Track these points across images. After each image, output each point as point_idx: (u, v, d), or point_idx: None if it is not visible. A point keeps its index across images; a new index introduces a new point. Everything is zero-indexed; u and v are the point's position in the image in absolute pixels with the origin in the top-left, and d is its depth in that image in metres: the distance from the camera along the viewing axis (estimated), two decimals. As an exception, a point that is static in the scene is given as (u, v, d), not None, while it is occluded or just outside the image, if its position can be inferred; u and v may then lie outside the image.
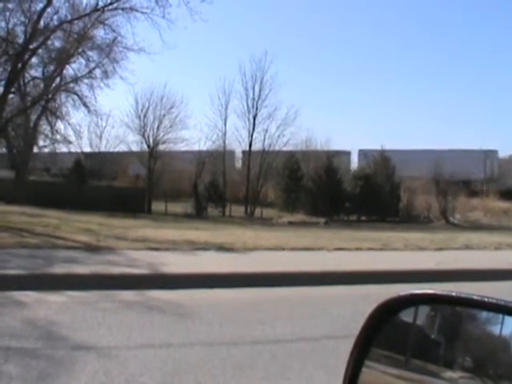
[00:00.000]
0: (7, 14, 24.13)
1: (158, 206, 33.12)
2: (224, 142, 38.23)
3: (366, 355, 1.45)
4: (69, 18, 23.75)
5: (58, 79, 29.71)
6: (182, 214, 30.63)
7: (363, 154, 40.39)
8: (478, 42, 68.71)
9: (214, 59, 66.62)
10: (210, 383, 4.59)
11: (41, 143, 35.10)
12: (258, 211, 35.02)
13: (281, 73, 50.72)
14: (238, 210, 34.72)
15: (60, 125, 33.11)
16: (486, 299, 1.33)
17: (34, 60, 26.90)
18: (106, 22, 24.11)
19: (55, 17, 23.92)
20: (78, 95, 30.18)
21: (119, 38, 24.81)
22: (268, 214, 33.15)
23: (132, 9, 22.52)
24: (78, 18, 23.62)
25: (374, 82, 71.02)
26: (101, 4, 22.65)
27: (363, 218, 33.63)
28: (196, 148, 38.95)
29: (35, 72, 29.77)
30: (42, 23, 23.37)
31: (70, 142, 35.07)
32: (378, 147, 38.08)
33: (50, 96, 29.36)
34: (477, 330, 1.44)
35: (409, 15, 71.36)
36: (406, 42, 71.42)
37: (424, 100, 70.35)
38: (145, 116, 36.26)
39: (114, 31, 24.46)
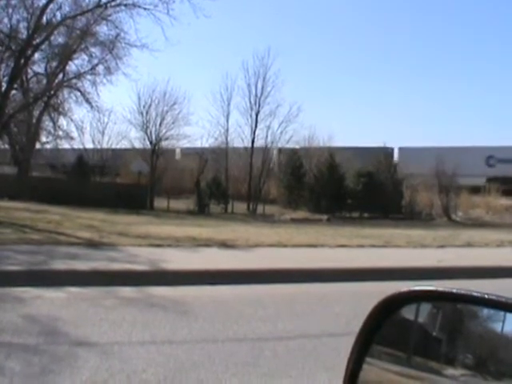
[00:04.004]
0: (10, 9, 24.23)
1: (160, 202, 33.14)
2: (226, 139, 38.27)
3: (367, 352, 1.44)
4: (72, 13, 23.77)
5: (60, 75, 29.82)
6: (185, 211, 30.64)
7: None
8: (482, 41, 68.59)
9: (216, 56, 66.79)
10: (212, 380, 4.58)
11: (43, 139, 35.24)
12: (260, 208, 35.03)
13: (283, 70, 50.80)
14: (241, 207, 34.72)
15: (62, 121, 33.28)
16: (486, 296, 1.32)
17: (36, 56, 27.01)
18: (109, 18, 24.18)
19: (58, 13, 24.02)
20: (80, 91, 30.28)
21: (122, 35, 24.90)
22: (270, 211, 33.14)
23: (135, 5, 22.52)
24: (80, 14, 23.63)
25: (377, 78, 71.08)
26: (104, 0, 22.65)
27: (366, 214, 33.58)
28: (198, 145, 39.04)
29: (38, 68, 29.89)
30: (44, 19, 23.43)
31: (72, 138, 35.25)
32: (381, 144, 38.16)
33: (52, 92, 29.44)
34: (478, 327, 1.43)
35: (415, 12, 71.26)
36: (410, 41, 71.37)
37: (426, 97, 70.33)
38: (147, 112, 36.32)
39: (116, 27, 24.55)
